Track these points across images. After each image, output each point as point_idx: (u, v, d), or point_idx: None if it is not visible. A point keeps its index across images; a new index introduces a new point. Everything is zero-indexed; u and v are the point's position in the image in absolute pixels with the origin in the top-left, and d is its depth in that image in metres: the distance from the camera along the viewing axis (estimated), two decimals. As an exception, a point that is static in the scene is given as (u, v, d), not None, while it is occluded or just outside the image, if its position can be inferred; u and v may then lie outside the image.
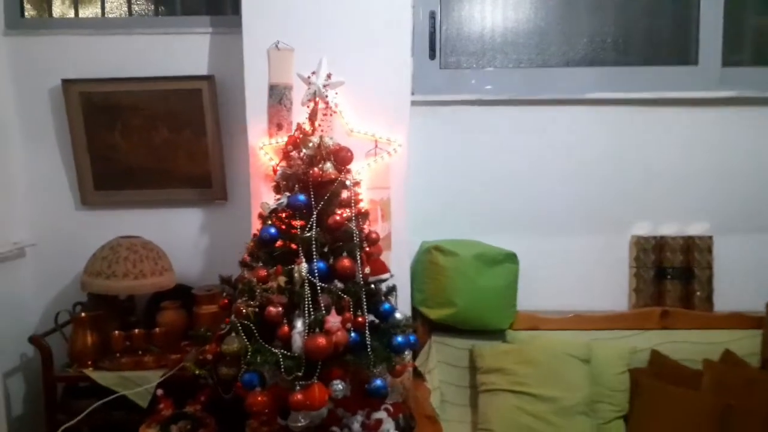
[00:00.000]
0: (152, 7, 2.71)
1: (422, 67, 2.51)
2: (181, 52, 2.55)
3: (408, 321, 1.95)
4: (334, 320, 1.73)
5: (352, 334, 1.76)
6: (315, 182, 1.89)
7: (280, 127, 2.32)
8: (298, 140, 1.94)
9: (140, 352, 2.30)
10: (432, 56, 2.52)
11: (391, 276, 2.03)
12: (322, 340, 1.67)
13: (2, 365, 2.42)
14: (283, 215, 1.94)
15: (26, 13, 2.64)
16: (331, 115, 2.12)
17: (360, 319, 1.78)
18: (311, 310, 1.76)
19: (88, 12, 2.69)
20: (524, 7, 2.58)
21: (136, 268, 2.34)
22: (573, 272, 2.60)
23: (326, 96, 2.08)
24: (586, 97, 2.52)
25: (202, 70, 2.55)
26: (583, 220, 2.60)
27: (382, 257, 2.16)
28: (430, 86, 2.51)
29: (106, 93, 2.55)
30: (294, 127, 2.26)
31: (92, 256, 2.39)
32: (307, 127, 2.03)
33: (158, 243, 2.47)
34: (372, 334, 1.79)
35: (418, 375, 2.36)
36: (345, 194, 1.93)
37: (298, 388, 1.69)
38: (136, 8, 2.69)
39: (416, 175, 2.45)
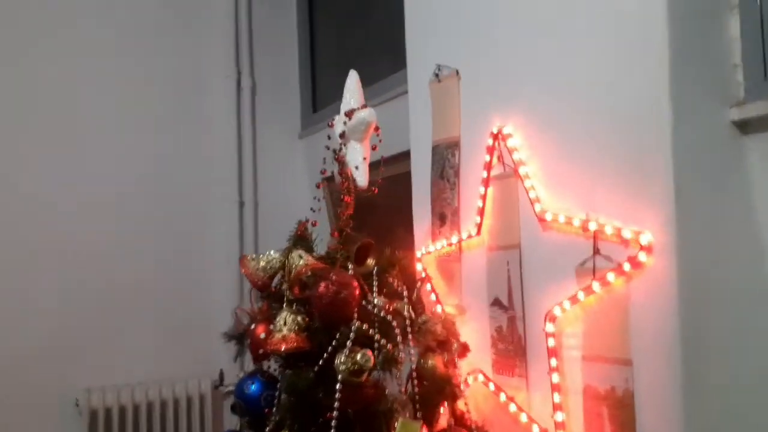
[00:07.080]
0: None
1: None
2: (393, 122, 1.79)
3: None
4: None
5: None
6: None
7: (443, 219, 1.27)
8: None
9: None
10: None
11: None
12: None
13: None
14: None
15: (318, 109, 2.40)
16: (346, 187, 1.01)
17: None
18: None
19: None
20: None
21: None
22: None
23: (341, 150, 1.00)
24: None
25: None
26: None
27: None
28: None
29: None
30: (464, 216, 1.21)
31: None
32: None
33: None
34: None
35: None
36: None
37: None
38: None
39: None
